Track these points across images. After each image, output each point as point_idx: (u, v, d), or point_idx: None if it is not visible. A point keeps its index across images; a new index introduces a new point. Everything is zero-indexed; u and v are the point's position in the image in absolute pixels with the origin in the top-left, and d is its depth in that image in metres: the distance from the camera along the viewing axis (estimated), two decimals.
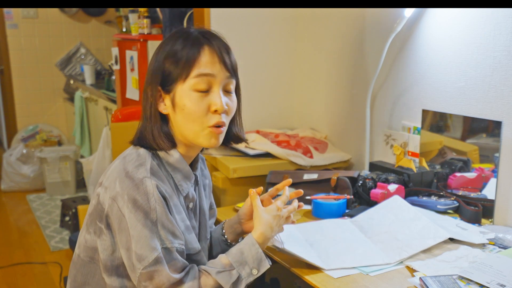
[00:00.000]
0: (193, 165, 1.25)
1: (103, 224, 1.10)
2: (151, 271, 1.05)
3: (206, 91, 1.12)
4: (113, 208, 1.07)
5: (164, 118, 1.17)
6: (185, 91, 1.12)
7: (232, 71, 1.16)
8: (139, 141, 1.17)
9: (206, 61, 1.11)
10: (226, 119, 1.16)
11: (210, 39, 1.14)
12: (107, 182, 1.11)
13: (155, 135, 1.14)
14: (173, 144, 1.16)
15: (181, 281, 1.08)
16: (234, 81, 1.18)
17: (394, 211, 1.54)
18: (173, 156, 1.16)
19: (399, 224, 1.48)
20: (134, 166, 1.10)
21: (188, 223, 1.17)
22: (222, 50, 1.14)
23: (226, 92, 1.16)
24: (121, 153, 1.19)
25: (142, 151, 1.15)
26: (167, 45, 1.14)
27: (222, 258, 1.14)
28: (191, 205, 1.23)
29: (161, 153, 1.16)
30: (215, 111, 1.12)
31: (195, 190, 1.25)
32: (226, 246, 1.35)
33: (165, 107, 1.15)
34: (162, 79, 1.14)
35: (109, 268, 1.12)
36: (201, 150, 1.26)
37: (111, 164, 1.17)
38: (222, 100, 1.13)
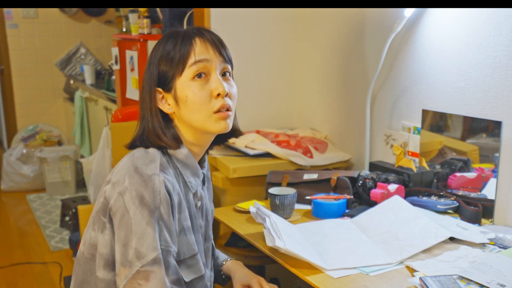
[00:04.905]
0: (200, 163, 1.25)
1: (107, 219, 1.09)
2: (148, 271, 1.04)
3: (205, 77, 1.13)
4: (118, 202, 1.07)
5: (167, 119, 1.17)
6: (184, 83, 1.13)
7: (226, 57, 1.17)
8: (142, 142, 1.16)
9: (199, 49, 1.13)
10: (231, 103, 1.16)
11: (201, 32, 1.16)
12: (115, 179, 1.11)
13: (159, 133, 1.14)
14: (179, 142, 1.16)
15: None
16: (230, 67, 1.18)
17: (394, 211, 1.54)
18: (182, 152, 1.17)
19: (399, 224, 1.48)
20: (144, 162, 1.10)
21: (189, 223, 1.17)
22: (214, 39, 1.15)
23: (224, 78, 1.17)
24: (129, 152, 1.19)
25: (150, 149, 1.15)
26: (158, 48, 1.16)
27: None
28: (199, 203, 1.23)
29: (170, 151, 1.16)
30: (218, 95, 1.13)
31: (202, 189, 1.26)
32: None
33: (169, 106, 1.16)
34: (160, 80, 1.15)
35: (111, 263, 1.10)
36: (207, 151, 1.26)
37: (119, 162, 1.17)
38: (223, 84, 1.13)
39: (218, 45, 1.15)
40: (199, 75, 1.13)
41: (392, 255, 1.36)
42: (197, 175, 1.20)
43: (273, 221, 1.40)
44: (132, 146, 1.19)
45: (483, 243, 1.41)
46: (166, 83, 1.15)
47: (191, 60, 1.12)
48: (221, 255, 1.46)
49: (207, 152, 1.27)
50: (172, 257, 1.09)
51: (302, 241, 1.42)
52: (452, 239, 1.40)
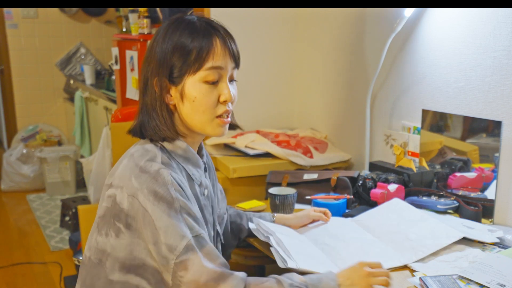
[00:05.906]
0: (199, 152, 1.26)
1: (122, 224, 1.08)
2: (184, 260, 1.03)
3: (216, 82, 1.14)
4: (134, 205, 1.06)
5: (168, 109, 1.16)
6: (195, 83, 1.12)
7: (237, 61, 1.18)
8: (142, 131, 1.16)
9: (219, 54, 1.13)
10: (232, 107, 1.19)
11: (218, 29, 1.15)
12: (120, 182, 1.09)
13: (159, 125, 1.14)
14: (176, 134, 1.16)
15: (223, 275, 1.04)
16: (237, 70, 1.20)
17: (396, 212, 1.54)
18: (181, 147, 1.17)
19: (407, 224, 1.47)
20: (145, 160, 1.10)
21: (200, 214, 1.16)
22: (230, 40, 1.16)
23: (231, 81, 1.18)
24: (126, 152, 1.18)
25: (149, 146, 1.14)
26: (172, 35, 1.13)
27: (298, 276, 1.11)
28: (206, 192, 1.23)
29: (169, 146, 1.16)
30: (224, 101, 1.15)
31: (205, 177, 1.25)
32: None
33: (171, 98, 1.15)
34: (171, 71, 1.13)
35: (128, 266, 1.09)
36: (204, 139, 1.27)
37: (117, 165, 1.16)
38: (231, 91, 1.15)
39: (233, 47, 1.16)
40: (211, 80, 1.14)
41: (405, 255, 1.34)
42: (198, 166, 1.20)
43: (278, 239, 1.35)
44: (133, 131, 1.19)
45: (483, 243, 1.40)
46: (173, 75, 1.13)
47: (208, 64, 1.12)
48: (262, 215, 1.52)
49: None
50: (206, 241, 1.08)
51: (311, 251, 1.37)
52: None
